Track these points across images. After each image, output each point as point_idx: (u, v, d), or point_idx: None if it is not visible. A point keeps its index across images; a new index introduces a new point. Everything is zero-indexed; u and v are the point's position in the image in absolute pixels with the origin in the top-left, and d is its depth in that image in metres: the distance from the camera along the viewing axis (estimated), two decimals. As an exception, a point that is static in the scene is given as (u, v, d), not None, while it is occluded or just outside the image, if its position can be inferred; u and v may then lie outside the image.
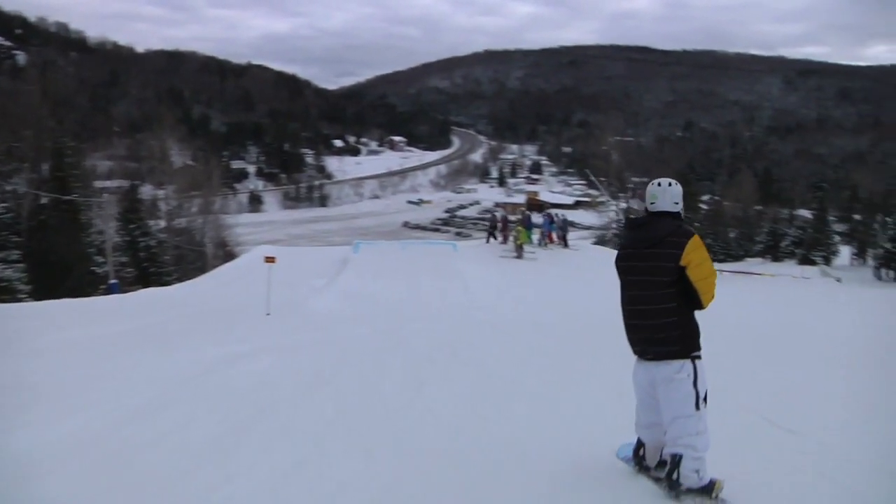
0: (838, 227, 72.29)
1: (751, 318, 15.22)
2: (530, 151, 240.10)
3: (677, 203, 4.33)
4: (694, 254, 4.07)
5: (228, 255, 43.54)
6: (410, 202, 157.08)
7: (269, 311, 13.79)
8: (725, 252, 70.54)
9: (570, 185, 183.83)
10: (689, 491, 4.14)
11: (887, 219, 60.97)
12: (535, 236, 28.59)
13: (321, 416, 6.27)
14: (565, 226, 29.91)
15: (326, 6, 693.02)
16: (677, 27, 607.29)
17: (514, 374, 8.31)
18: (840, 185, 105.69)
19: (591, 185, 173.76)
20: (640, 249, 4.27)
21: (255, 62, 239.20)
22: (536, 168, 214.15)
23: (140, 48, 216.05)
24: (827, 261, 65.46)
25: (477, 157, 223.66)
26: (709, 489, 4.14)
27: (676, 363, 4.16)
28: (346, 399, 6.94)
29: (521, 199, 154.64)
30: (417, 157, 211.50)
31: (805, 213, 79.92)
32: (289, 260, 21.24)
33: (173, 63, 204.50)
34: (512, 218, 31.98)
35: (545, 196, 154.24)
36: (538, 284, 20.62)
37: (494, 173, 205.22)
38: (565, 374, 8.27)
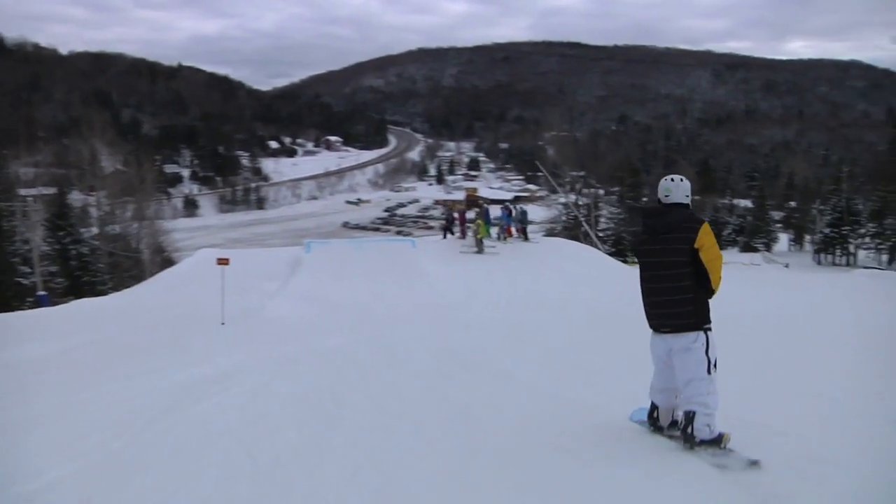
0: (775, 215, 73.78)
1: (750, 305, 14.30)
2: (467, 148, 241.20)
3: (688, 196, 4.98)
4: (706, 238, 4.70)
5: (166, 262, 41.74)
6: (349, 202, 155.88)
7: (224, 321, 12.62)
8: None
9: (508, 180, 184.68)
10: (702, 442, 4.76)
11: (823, 206, 62.42)
12: (494, 230, 27.65)
13: (351, 476, 4.56)
14: (525, 218, 28.91)
15: (257, 7, 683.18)
16: (607, 23, 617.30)
17: (530, 375, 7.90)
18: (771, 174, 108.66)
19: (529, 179, 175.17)
20: (659, 235, 4.89)
21: (185, 64, 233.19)
22: (474, 165, 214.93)
23: (63, 50, 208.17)
24: (768, 247, 66.66)
25: (414, 155, 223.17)
26: (718, 440, 4.76)
27: (692, 334, 4.79)
28: (373, 445, 5.16)
29: (460, 195, 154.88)
30: (354, 156, 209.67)
31: (744, 202, 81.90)
32: (235, 263, 19.95)
33: (100, 65, 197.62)
34: (469, 213, 30.69)
35: (484, 192, 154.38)
36: (507, 279, 19.73)
37: (432, 171, 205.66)
38: (575, 366, 8.42)
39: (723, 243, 70.47)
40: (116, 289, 30.12)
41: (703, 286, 4.78)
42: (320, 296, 16.27)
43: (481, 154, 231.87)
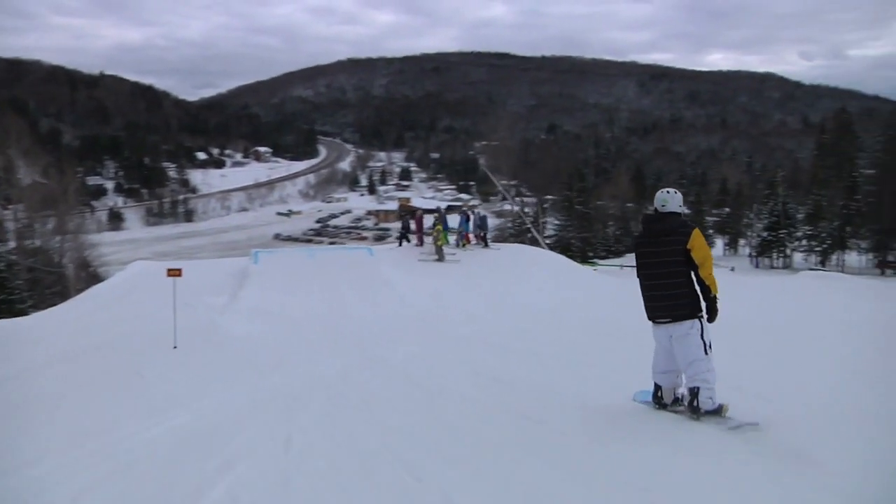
0: (709, 220, 74.89)
1: (748, 313, 13.41)
2: (398, 158, 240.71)
3: (681, 206, 5.91)
4: (697, 240, 5.61)
5: (93, 277, 39.61)
6: (280, 213, 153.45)
7: (176, 343, 10.98)
8: (606, 248, 71.82)
9: (440, 190, 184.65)
10: (707, 413, 5.66)
11: (760, 211, 63.81)
12: (452, 237, 26.35)
13: None
14: (484, 224, 27.47)
15: (182, 15, 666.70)
16: (534, 34, 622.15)
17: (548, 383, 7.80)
18: (699, 181, 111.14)
19: (461, 188, 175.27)
20: (657, 238, 5.82)
21: (108, 73, 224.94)
22: (406, 175, 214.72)
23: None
24: (707, 252, 67.46)
25: (345, 165, 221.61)
26: (719, 410, 5.67)
27: (688, 322, 5.70)
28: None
29: (392, 206, 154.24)
30: (284, 167, 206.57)
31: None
32: (194, 272, 18.56)
33: (14, 72, 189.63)
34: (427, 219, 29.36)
35: (417, 202, 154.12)
36: (477, 287, 18.54)
37: (364, 181, 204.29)
38: (590, 365, 8.92)
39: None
40: (38, 307, 28.13)
41: (693, 282, 5.68)
42: (275, 310, 14.78)
43: (413, 164, 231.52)
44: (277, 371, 8.99)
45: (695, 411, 5.66)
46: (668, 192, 5.90)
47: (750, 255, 66.11)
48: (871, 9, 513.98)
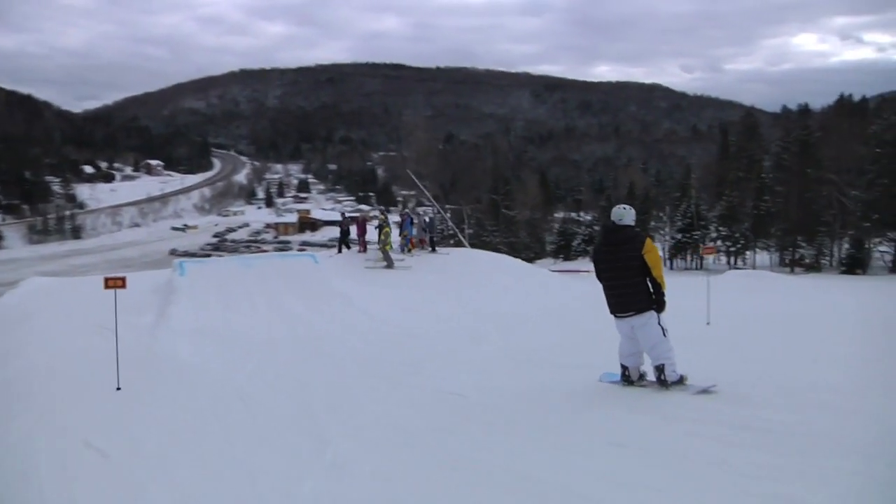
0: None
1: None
2: (295, 170, 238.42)
3: (633, 220, 6.99)
4: (649, 247, 6.76)
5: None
6: (175, 228, 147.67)
7: (120, 384, 8.15)
8: (516, 255, 71.89)
9: (339, 201, 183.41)
10: (673, 384, 6.81)
11: (674, 212, 65.79)
12: (396, 242, 23.78)
13: None
14: (432, 226, 25.84)
15: (59, 22, 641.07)
16: (428, 46, 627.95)
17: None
18: (596, 187, 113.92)
19: (360, 199, 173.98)
20: (616, 246, 6.90)
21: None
22: (304, 186, 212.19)
23: None
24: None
25: (241, 178, 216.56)
26: (682, 381, 6.85)
27: (647, 314, 6.80)
28: None
29: (292, 218, 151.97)
30: (178, 180, 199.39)
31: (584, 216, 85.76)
32: (78, 293, 16.15)
33: None
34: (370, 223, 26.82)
35: (317, 214, 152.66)
36: (444, 295, 17.08)
37: (261, 194, 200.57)
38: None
39: (573, 254, 73.16)
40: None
41: (647, 281, 6.80)
42: (217, 328, 12.84)
43: (310, 176, 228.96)
44: (271, 424, 6.71)
45: (663, 384, 6.86)
46: (624, 208, 7.08)
47: (664, 258, 67.63)
48: (741, 27, 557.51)
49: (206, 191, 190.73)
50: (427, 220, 25.98)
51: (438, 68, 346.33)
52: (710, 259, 48.24)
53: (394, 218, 31.37)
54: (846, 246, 52.30)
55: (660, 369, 6.81)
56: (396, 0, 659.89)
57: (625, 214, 6.95)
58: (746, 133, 65.48)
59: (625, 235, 6.85)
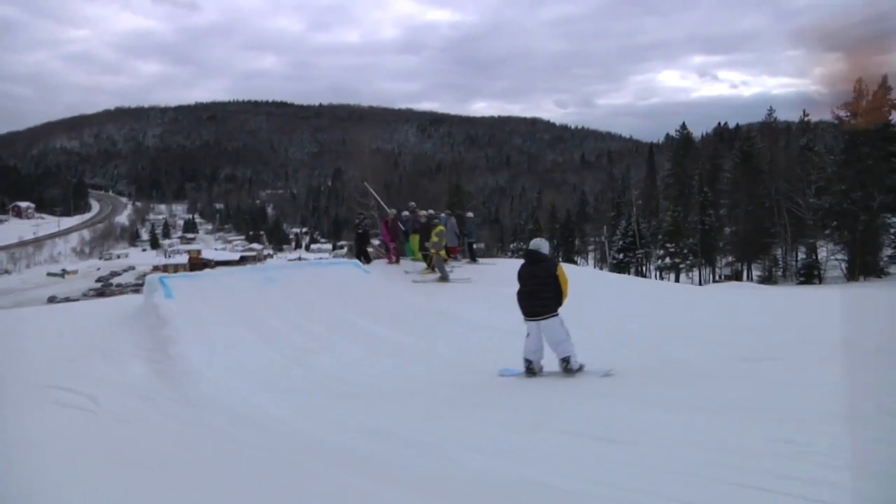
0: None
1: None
2: (181, 210, 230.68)
3: (547, 248, 8.99)
4: (560, 270, 8.58)
5: None
6: (52, 274, 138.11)
7: None
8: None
9: (229, 241, 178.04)
10: (576, 371, 8.30)
11: (613, 232, 66.13)
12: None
13: None
14: (473, 230, 21.47)
15: None
16: (309, 85, 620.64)
17: None
18: (491, 218, 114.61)
19: (251, 238, 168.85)
20: (535, 266, 8.65)
21: None
22: (191, 226, 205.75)
23: None
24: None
25: (123, 219, 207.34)
26: (581, 368, 8.35)
27: (554, 317, 8.40)
28: None
29: (182, 259, 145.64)
30: (53, 223, 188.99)
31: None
32: (35, 328, 12.66)
33: None
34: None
35: (208, 254, 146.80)
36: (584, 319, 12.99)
37: (145, 235, 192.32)
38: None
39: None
40: None
41: (559, 294, 8.47)
42: (285, 369, 9.27)
43: (196, 215, 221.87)
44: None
45: (568, 370, 8.29)
46: (541, 239, 9.05)
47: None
48: (610, 65, 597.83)
49: (86, 233, 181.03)
50: (466, 220, 21.48)
51: (322, 105, 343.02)
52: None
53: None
54: (802, 256, 51.50)
55: (566, 360, 8.30)
56: (273, 40, 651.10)
57: (541, 245, 8.88)
58: (680, 150, 66.76)
59: (542, 257, 8.69)
